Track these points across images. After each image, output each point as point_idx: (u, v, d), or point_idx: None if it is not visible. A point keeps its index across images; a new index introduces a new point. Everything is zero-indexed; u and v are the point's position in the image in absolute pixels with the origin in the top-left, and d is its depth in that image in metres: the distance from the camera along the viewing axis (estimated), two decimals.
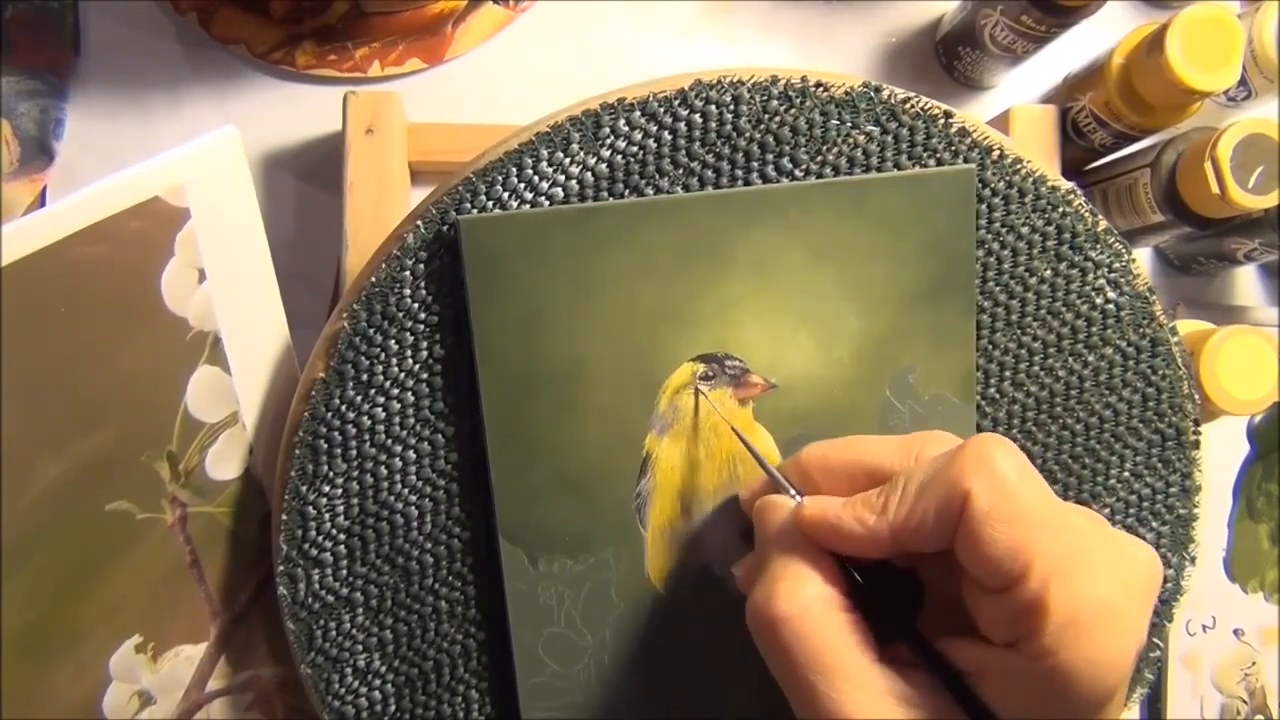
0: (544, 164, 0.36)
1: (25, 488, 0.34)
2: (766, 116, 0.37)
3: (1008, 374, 0.39)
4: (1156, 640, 0.40)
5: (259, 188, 0.48)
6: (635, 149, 0.36)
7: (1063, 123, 0.48)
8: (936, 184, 0.36)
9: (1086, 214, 0.38)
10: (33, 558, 0.35)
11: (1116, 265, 0.38)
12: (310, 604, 0.37)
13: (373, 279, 0.36)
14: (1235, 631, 0.50)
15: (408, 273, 0.36)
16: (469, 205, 0.36)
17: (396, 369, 0.36)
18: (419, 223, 0.36)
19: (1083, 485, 0.39)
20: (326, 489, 0.37)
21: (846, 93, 0.37)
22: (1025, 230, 0.38)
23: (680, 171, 0.37)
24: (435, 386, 0.37)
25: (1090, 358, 0.39)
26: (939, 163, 0.37)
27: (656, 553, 0.37)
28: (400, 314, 0.36)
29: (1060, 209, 0.38)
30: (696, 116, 0.36)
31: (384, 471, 0.37)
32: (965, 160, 0.37)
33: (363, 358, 0.36)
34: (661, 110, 0.36)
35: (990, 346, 0.38)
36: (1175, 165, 0.45)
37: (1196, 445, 0.40)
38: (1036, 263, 0.38)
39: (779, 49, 0.52)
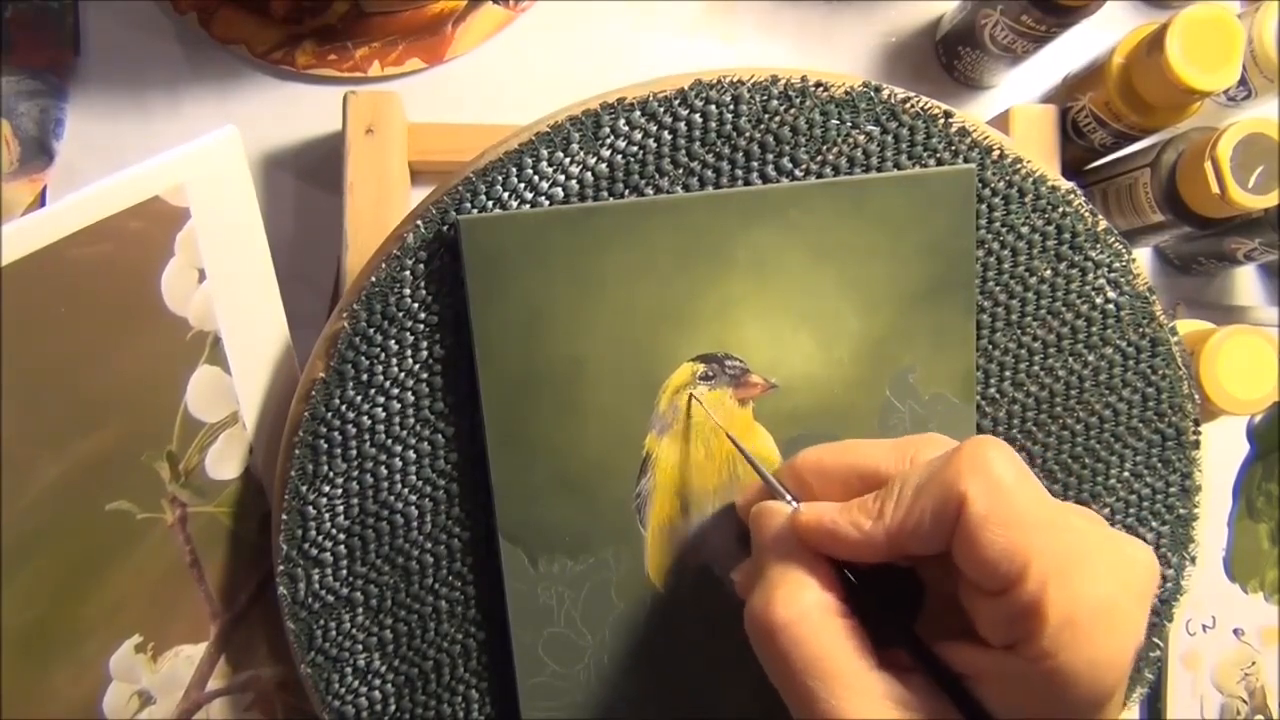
0: (544, 164, 0.36)
1: (25, 488, 0.34)
2: (766, 116, 0.37)
3: (1008, 374, 0.39)
4: (1156, 640, 0.40)
5: (259, 188, 0.48)
6: (635, 149, 0.36)
7: (1063, 123, 0.48)
8: (936, 184, 0.36)
9: (1086, 214, 0.38)
10: (33, 558, 0.35)
11: (1116, 265, 0.38)
12: (310, 604, 0.37)
13: (373, 279, 0.36)
14: (1235, 631, 0.50)
15: (408, 273, 0.36)
16: (469, 205, 0.36)
17: (396, 369, 0.36)
18: (419, 223, 0.36)
19: (1083, 485, 0.39)
20: (326, 489, 0.37)
21: (846, 93, 0.37)
22: (1025, 230, 0.38)
23: (680, 171, 0.37)
24: (435, 386, 0.37)
25: (1090, 358, 0.39)
26: (939, 163, 0.37)
27: (656, 553, 0.37)
28: (400, 314, 0.36)
29: (1060, 209, 0.38)
30: (696, 116, 0.36)
31: (384, 471, 0.37)
32: (965, 160, 0.37)
33: (363, 358, 0.36)
34: (661, 110, 0.36)
35: (990, 346, 0.38)
36: (1175, 165, 0.45)
37: (1196, 445, 0.40)
38: (1036, 262, 0.38)
39: (779, 49, 0.52)
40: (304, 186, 0.49)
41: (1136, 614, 0.27)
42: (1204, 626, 0.50)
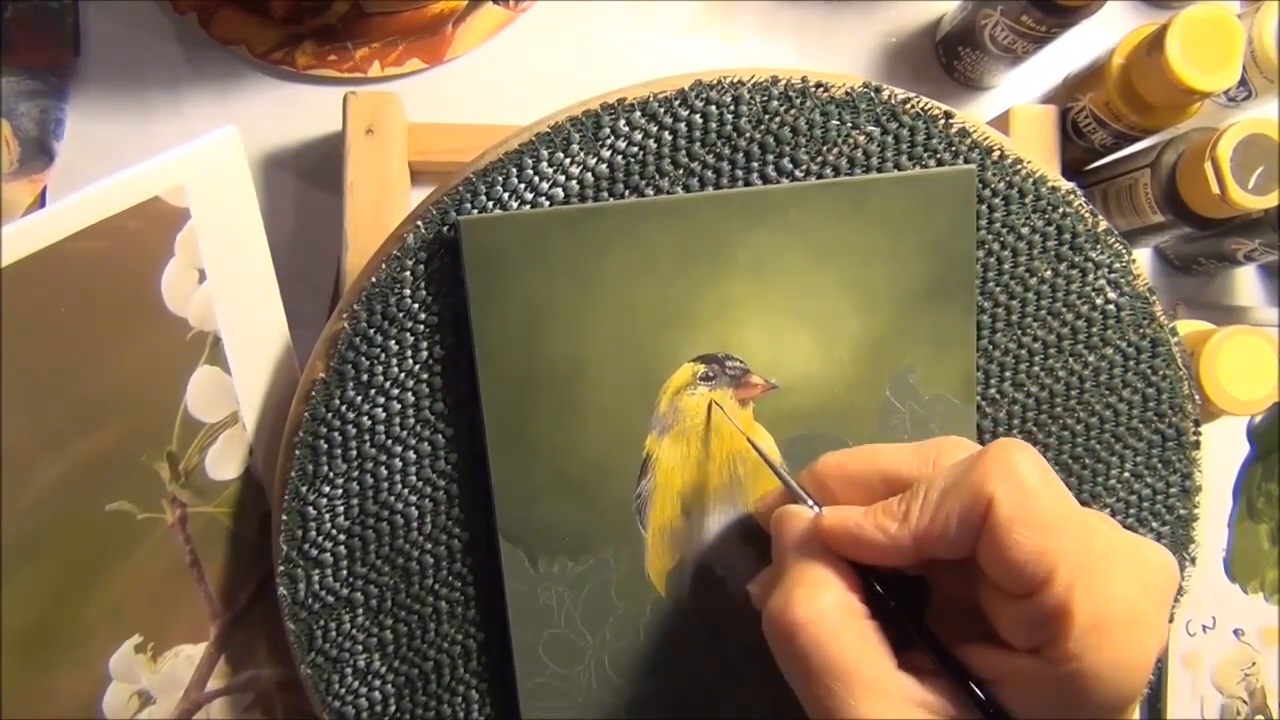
0: (544, 164, 0.36)
1: (25, 488, 0.34)
2: (766, 117, 0.37)
3: (1008, 374, 0.39)
4: None
5: (259, 188, 0.48)
6: (635, 149, 0.36)
7: (1063, 123, 0.48)
8: (937, 184, 0.36)
9: (1086, 214, 0.38)
10: (33, 558, 0.35)
11: (1117, 265, 0.38)
12: (310, 604, 0.37)
13: (373, 279, 0.36)
14: (1235, 632, 0.50)
15: (408, 273, 0.36)
16: (469, 205, 0.36)
17: (396, 369, 0.36)
18: (419, 223, 0.36)
19: (1083, 486, 0.39)
20: (326, 489, 0.37)
21: (847, 93, 0.37)
22: (1025, 231, 0.38)
23: (680, 172, 0.37)
24: (435, 387, 0.37)
25: (1090, 358, 0.39)
26: (939, 163, 0.37)
27: (657, 553, 0.37)
28: (400, 314, 0.36)
29: (1060, 209, 0.38)
30: (696, 117, 0.36)
31: (384, 472, 0.37)
32: (965, 161, 0.37)
33: (363, 358, 0.36)
34: (662, 110, 0.36)
35: (990, 347, 0.38)
36: (1175, 165, 0.45)
37: (1196, 445, 0.40)
38: (1037, 263, 0.38)
39: (779, 49, 0.52)
40: (304, 186, 0.49)
41: (1158, 617, 0.27)
42: (1204, 627, 0.50)
